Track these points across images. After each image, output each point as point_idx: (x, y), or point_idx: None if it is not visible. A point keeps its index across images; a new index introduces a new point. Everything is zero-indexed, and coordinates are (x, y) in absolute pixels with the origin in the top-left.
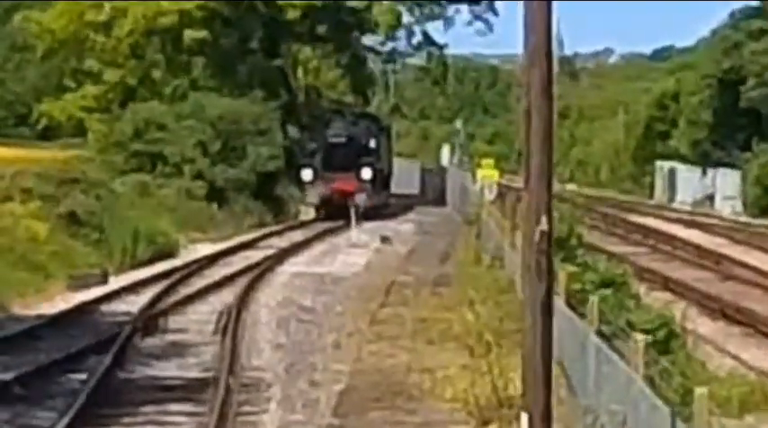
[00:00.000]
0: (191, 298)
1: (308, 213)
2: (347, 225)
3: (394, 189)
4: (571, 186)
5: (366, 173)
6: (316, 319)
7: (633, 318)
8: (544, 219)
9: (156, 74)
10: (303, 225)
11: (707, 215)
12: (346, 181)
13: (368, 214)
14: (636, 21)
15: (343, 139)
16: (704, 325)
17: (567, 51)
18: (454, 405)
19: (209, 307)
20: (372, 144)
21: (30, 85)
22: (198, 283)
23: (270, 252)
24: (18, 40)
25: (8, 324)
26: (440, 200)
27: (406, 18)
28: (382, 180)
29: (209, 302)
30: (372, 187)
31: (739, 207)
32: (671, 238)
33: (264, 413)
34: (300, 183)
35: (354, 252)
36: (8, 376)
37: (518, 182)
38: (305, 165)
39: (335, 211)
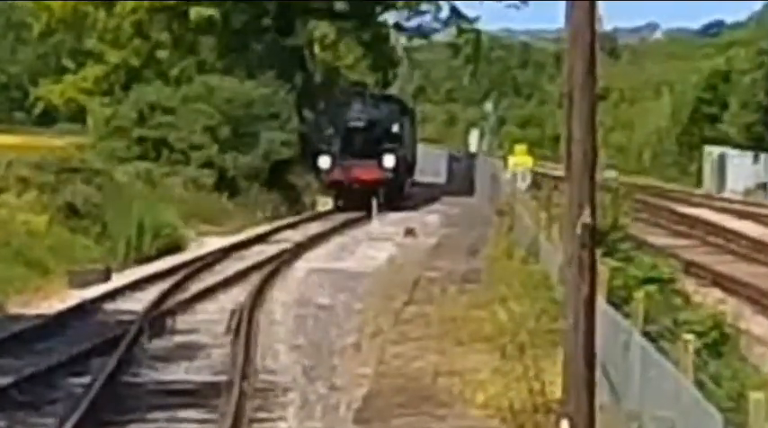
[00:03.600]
0: (200, 296)
1: (326, 203)
2: (368, 216)
3: (419, 177)
4: (611, 173)
5: (388, 161)
6: (335, 319)
7: (681, 317)
8: (587, 211)
9: (162, 54)
10: (320, 216)
11: (760, 205)
12: (367, 168)
13: (390, 204)
14: None
15: (363, 124)
16: (759, 325)
17: (607, 27)
18: (486, 411)
19: (220, 306)
20: (395, 129)
21: (25, 67)
22: (208, 280)
23: (285, 246)
24: (13, 17)
25: (5, 324)
26: (468, 190)
27: None
28: (406, 168)
29: (219, 300)
30: (395, 175)
31: None
32: (721, 230)
33: (281, 420)
34: (317, 171)
35: (376, 245)
36: (6, 380)
37: (553, 170)
38: (322, 152)
39: (355, 201)
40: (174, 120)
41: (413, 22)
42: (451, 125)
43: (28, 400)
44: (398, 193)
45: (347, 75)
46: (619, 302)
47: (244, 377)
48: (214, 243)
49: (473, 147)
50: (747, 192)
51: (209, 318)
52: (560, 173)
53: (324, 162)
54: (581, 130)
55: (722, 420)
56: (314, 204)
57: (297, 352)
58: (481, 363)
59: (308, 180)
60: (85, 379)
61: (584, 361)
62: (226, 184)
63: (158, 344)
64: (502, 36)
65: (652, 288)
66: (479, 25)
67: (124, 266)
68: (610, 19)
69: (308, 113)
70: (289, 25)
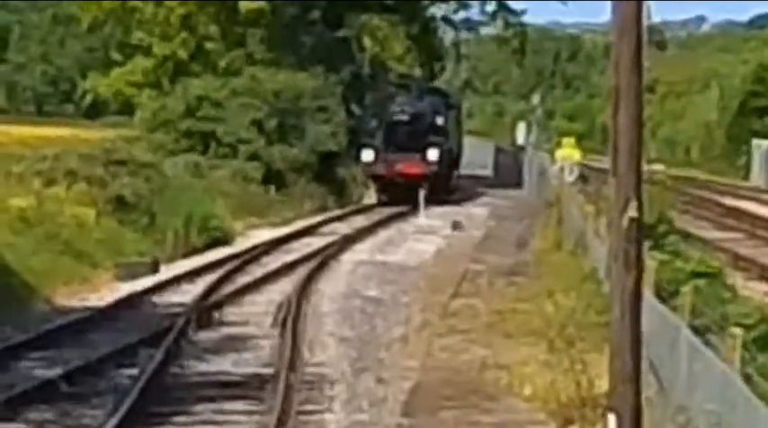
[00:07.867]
0: (248, 289)
1: (372, 196)
2: (414, 209)
3: (466, 170)
4: (658, 166)
5: (432, 154)
6: (382, 311)
7: (729, 311)
8: (633, 205)
9: (210, 47)
10: (367, 209)
11: None
12: (410, 162)
13: (436, 198)
14: None
15: (407, 117)
16: None
17: (655, 20)
18: (533, 404)
19: (268, 298)
20: (440, 121)
21: (74, 60)
22: (255, 272)
23: (332, 238)
24: (61, 11)
25: (53, 316)
26: (515, 183)
27: None
28: (451, 161)
29: (267, 292)
30: (439, 169)
31: None
32: None
33: (328, 412)
34: (362, 165)
35: (423, 238)
36: (54, 372)
37: (602, 163)
38: (366, 145)
39: (398, 196)
40: (221, 112)
41: (460, 16)
42: (499, 118)
43: (76, 392)
44: (443, 187)
45: (395, 68)
46: (666, 296)
47: (291, 369)
48: (261, 235)
49: (520, 140)
50: None
51: (257, 310)
52: (608, 166)
53: (367, 155)
54: (627, 124)
55: None
56: (361, 197)
57: (344, 344)
58: (528, 356)
59: (355, 173)
60: (133, 371)
61: (631, 355)
62: (273, 177)
63: (206, 336)
64: (551, 28)
65: (700, 282)
66: (528, 18)
67: (172, 259)
68: (658, 12)
69: (355, 106)
70: (338, 18)
